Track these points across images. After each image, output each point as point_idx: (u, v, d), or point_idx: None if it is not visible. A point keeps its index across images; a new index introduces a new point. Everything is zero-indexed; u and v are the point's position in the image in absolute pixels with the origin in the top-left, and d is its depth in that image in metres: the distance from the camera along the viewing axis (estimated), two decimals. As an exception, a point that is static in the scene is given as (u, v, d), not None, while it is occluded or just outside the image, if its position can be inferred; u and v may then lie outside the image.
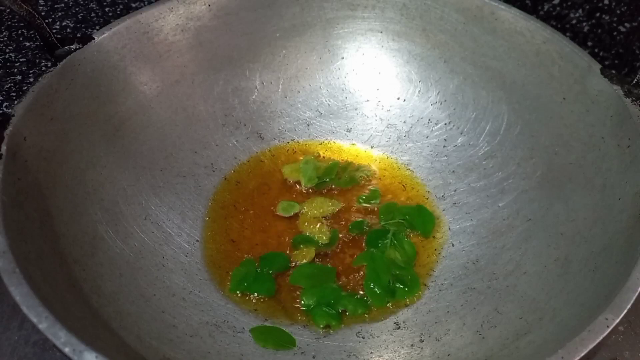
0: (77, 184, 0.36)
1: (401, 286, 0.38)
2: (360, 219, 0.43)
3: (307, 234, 0.41)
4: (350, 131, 0.49)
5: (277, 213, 0.43)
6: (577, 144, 0.39)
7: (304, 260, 0.40)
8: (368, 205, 0.44)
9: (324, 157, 0.47)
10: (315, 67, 0.49)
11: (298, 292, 0.38)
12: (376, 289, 0.38)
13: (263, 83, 0.48)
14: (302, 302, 0.37)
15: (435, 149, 0.46)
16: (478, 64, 0.45)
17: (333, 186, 0.45)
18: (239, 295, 0.38)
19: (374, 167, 0.47)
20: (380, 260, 0.40)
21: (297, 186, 0.45)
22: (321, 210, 0.43)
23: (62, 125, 0.36)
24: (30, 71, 0.50)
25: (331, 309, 0.37)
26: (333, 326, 0.36)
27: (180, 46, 0.44)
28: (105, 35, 0.40)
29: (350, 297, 0.38)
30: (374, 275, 0.39)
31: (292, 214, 0.43)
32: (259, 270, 0.39)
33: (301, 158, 0.47)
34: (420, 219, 0.42)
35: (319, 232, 0.42)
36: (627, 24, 0.47)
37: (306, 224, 0.42)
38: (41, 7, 0.56)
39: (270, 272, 0.39)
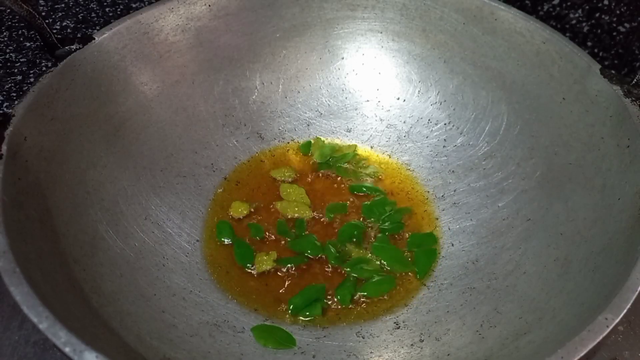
0: (78, 184, 0.36)
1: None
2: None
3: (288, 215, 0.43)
4: (350, 131, 0.49)
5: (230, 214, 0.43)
6: (577, 144, 0.39)
7: (265, 266, 0.39)
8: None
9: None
10: (315, 67, 0.49)
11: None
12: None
13: (263, 83, 0.48)
14: (290, 308, 0.37)
15: (435, 149, 0.47)
16: (478, 64, 0.45)
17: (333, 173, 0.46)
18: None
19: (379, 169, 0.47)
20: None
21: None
22: (296, 198, 0.44)
23: (63, 125, 0.36)
24: (31, 71, 0.51)
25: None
26: (316, 312, 0.37)
27: (180, 46, 0.44)
28: (105, 35, 0.40)
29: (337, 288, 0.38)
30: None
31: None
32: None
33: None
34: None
35: (300, 210, 0.43)
36: (626, 24, 0.47)
37: (286, 197, 0.43)
38: (41, 7, 0.56)
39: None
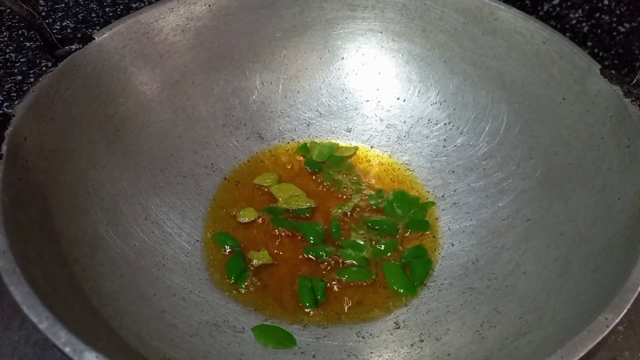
0: (78, 184, 0.36)
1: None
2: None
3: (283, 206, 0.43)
4: (350, 131, 0.49)
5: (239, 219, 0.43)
6: (577, 144, 0.39)
7: (261, 261, 0.40)
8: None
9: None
10: (315, 67, 0.49)
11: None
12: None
13: (263, 83, 0.48)
14: (307, 306, 0.38)
15: (435, 149, 0.47)
16: (478, 64, 0.45)
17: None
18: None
19: (372, 181, 0.46)
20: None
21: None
22: (291, 193, 0.44)
23: (63, 125, 0.36)
24: (31, 71, 0.51)
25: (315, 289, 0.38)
26: (321, 287, 0.38)
27: (180, 46, 0.44)
28: (105, 35, 0.40)
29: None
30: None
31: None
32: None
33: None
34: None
35: (296, 201, 0.43)
36: (626, 24, 0.48)
37: (281, 196, 0.44)
38: (41, 7, 0.56)
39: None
